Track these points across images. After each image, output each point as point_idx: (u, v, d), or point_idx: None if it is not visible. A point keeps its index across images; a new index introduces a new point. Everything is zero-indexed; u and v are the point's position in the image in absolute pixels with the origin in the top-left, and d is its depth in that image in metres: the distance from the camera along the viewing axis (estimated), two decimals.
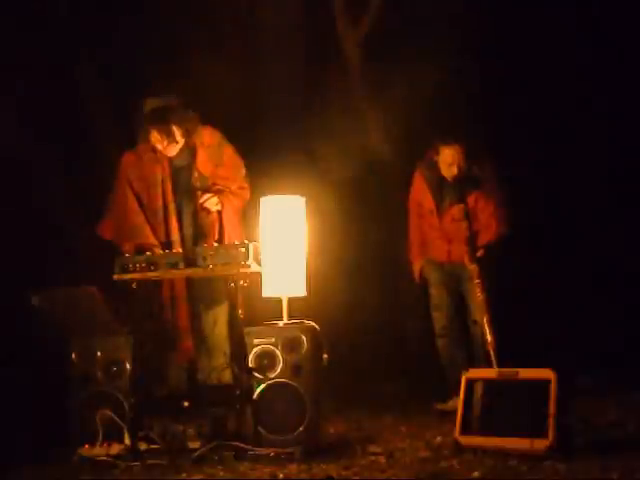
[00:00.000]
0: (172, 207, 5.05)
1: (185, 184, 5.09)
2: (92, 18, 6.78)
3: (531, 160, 7.09)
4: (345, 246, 7.09)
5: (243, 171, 5.17)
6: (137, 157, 5.13)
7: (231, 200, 5.10)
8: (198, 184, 5.08)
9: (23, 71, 6.23)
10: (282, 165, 6.62)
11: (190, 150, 5.10)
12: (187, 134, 5.07)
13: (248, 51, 7.40)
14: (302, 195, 4.73)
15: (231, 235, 5.04)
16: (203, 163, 5.09)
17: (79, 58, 6.90)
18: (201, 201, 5.04)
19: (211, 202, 5.05)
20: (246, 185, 5.17)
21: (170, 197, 5.06)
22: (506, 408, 4.32)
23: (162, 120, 5.02)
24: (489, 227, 5.61)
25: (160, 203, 5.05)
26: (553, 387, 4.17)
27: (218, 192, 5.07)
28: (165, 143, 5.03)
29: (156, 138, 5.04)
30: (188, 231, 5.07)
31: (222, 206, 5.05)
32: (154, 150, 5.09)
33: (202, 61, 6.88)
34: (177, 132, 5.03)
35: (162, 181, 5.07)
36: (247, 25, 7.42)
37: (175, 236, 5.02)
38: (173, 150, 5.08)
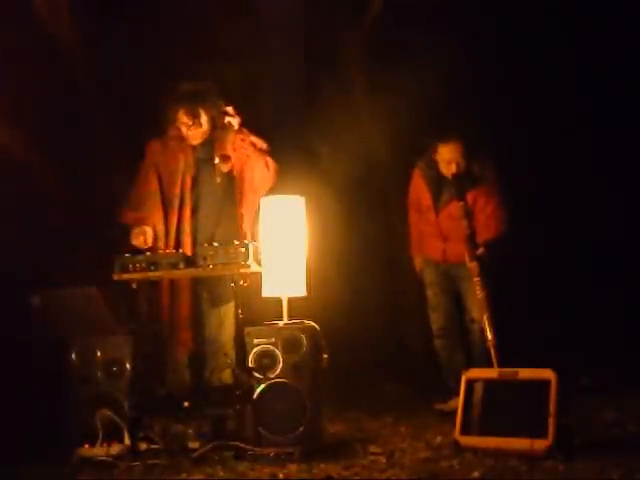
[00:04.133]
0: (188, 197, 5.04)
1: (207, 178, 5.09)
2: (92, 17, 6.78)
3: (533, 159, 7.08)
4: (345, 246, 7.09)
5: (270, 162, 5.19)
6: (163, 144, 5.13)
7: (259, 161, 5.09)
8: (219, 179, 5.08)
9: (23, 70, 6.22)
10: (282, 165, 6.61)
11: (213, 144, 5.09)
12: (212, 122, 5.06)
13: (248, 51, 7.39)
14: (302, 195, 4.73)
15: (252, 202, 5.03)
16: (223, 147, 5.08)
17: (80, 57, 6.89)
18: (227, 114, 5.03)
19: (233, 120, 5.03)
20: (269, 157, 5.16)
21: (188, 186, 5.05)
22: (506, 408, 4.32)
23: (190, 100, 5.01)
24: (488, 226, 5.61)
25: (177, 190, 5.03)
26: (553, 387, 4.18)
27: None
28: (190, 124, 5.02)
29: (181, 119, 5.03)
30: (204, 227, 5.06)
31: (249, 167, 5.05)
32: (181, 139, 5.08)
33: (202, 61, 6.88)
34: (203, 116, 5.03)
35: (183, 171, 5.07)
36: (247, 25, 7.42)
37: (187, 227, 5.00)
38: (197, 136, 5.06)
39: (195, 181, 5.06)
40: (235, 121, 5.09)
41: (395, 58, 7.12)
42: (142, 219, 4.97)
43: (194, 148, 5.09)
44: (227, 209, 5.06)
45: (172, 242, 4.98)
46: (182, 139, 5.08)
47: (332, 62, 7.53)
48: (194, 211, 5.04)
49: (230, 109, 5.09)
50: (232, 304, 4.98)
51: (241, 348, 4.55)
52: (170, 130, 5.12)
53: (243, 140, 5.10)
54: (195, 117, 5.01)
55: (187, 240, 4.98)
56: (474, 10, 7.07)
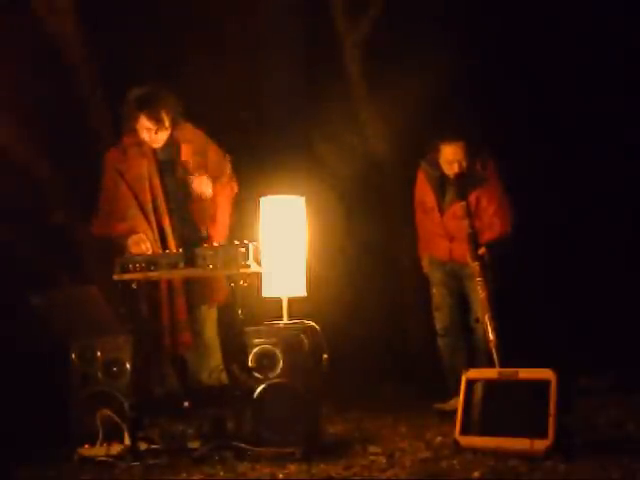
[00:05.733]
0: (161, 200, 5.04)
1: (171, 180, 5.08)
2: (92, 17, 6.78)
3: (535, 159, 7.08)
4: (345, 246, 7.09)
5: (229, 166, 5.17)
6: (122, 152, 5.11)
7: (224, 186, 5.10)
8: (184, 178, 5.07)
9: (23, 70, 6.23)
10: (282, 165, 6.62)
11: (174, 145, 5.09)
12: (174, 121, 5.04)
13: (248, 51, 7.39)
14: (302, 195, 4.73)
15: (222, 224, 5.05)
16: (188, 156, 5.07)
17: (79, 56, 6.89)
18: (194, 185, 5.00)
19: (203, 183, 5.02)
20: (234, 178, 5.18)
21: (158, 190, 5.04)
22: (506, 408, 4.32)
23: (151, 104, 4.98)
24: (492, 226, 5.62)
25: (148, 197, 5.03)
26: (553, 387, 4.17)
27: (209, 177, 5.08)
28: (154, 129, 5.00)
29: (144, 125, 5.00)
30: (177, 227, 5.06)
31: (215, 191, 5.04)
32: (139, 144, 5.06)
33: (202, 61, 6.89)
34: (166, 118, 5.01)
35: (149, 175, 5.06)
36: (248, 25, 7.42)
37: (168, 229, 5.01)
38: (161, 138, 5.04)
39: (162, 183, 5.06)
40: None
41: (396, 58, 7.11)
42: (133, 228, 4.97)
43: (154, 151, 5.09)
44: (189, 207, 5.07)
45: (159, 246, 4.97)
46: (140, 144, 5.06)
47: (333, 62, 7.53)
48: (169, 213, 5.03)
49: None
50: (214, 301, 5.00)
51: (240, 348, 4.55)
52: (126, 138, 5.10)
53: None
54: (159, 121, 4.99)
55: (171, 242, 4.98)
56: (475, 8, 7.08)
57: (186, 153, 5.08)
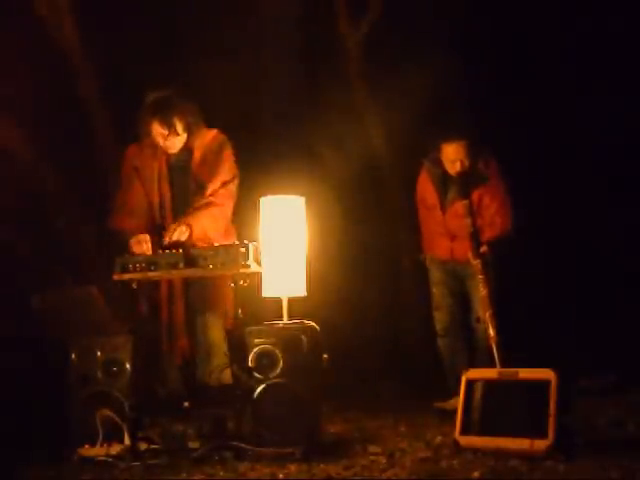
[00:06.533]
0: (169, 206, 5.03)
1: (182, 185, 5.07)
2: (92, 17, 6.79)
3: (537, 159, 7.08)
4: (345, 246, 7.10)
5: (231, 175, 5.08)
6: (140, 149, 5.10)
7: (210, 214, 4.98)
8: (193, 185, 5.05)
9: (23, 70, 6.23)
10: (282, 165, 6.62)
11: (189, 151, 5.07)
12: (189, 128, 5.02)
13: (248, 51, 7.40)
14: (302, 195, 4.73)
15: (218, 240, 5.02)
16: (198, 165, 5.05)
17: (79, 57, 6.90)
18: (167, 239, 4.86)
19: (179, 234, 4.88)
20: (231, 188, 5.07)
21: (167, 196, 5.03)
22: (506, 408, 4.32)
23: (164, 110, 4.95)
24: (493, 224, 5.62)
25: (156, 199, 5.02)
26: (553, 387, 4.17)
27: (187, 217, 4.94)
28: (166, 134, 4.97)
29: (157, 130, 4.98)
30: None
31: (190, 228, 4.89)
32: (154, 146, 5.05)
33: (202, 61, 6.89)
34: (179, 124, 4.98)
35: (158, 178, 5.04)
36: (247, 25, 7.42)
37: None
38: (175, 144, 5.02)
39: (171, 189, 5.04)
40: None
41: (395, 58, 7.12)
42: (137, 226, 4.96)
43: (168, 156, 5.07)
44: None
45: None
46: (155, 146, 5.04)
47: (333, 63, 7.54)
48: (174, 218, 5.01)
49: None
50: (219, 309, 4.98)
51: (241, 348, 4.55)
52: (145, 140, 5.08)
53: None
54: (170, 126, 4.95)
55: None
56: (475, 9, 7.08)
57: (196, 161, 5.05)
